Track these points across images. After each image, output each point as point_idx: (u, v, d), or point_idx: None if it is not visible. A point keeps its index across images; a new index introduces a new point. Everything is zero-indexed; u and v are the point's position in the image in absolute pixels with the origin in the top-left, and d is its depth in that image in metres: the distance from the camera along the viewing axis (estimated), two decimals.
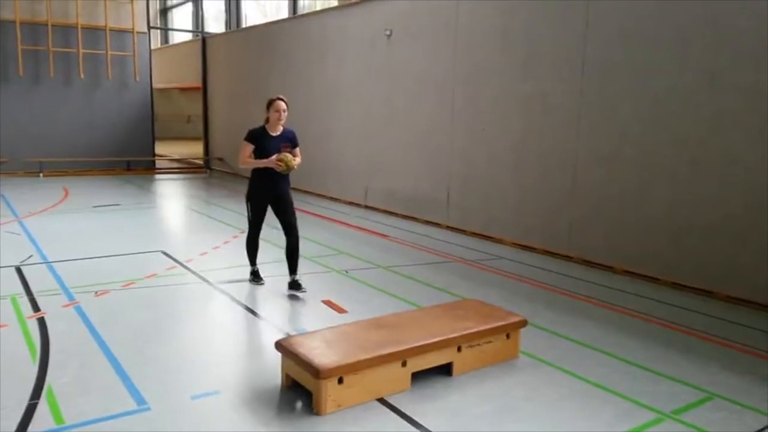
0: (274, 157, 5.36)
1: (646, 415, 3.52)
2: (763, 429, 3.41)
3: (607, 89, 6.83)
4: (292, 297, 5.56)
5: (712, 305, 5.70)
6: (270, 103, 5.50)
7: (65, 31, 14.27)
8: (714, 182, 5.93)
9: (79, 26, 14.27)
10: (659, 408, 3.61)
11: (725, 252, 5.86)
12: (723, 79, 5.82)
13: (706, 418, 3.51)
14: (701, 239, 6.05)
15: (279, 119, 5.47)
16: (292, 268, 5.63)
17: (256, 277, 5.92)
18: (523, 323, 4.31)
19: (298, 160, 5.56)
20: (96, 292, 5.48)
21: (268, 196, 5.56)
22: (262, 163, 5.41)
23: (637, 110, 6.54)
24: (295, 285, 5.57)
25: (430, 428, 3.31)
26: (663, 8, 6.26)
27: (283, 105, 5.46)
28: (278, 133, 5.54)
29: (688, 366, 4.25)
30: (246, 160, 5.49)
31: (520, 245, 7.90)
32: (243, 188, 11.88)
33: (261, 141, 5.47)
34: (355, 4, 10.87)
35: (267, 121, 5.52)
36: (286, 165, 5.37)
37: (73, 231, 8.21)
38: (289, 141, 5.57)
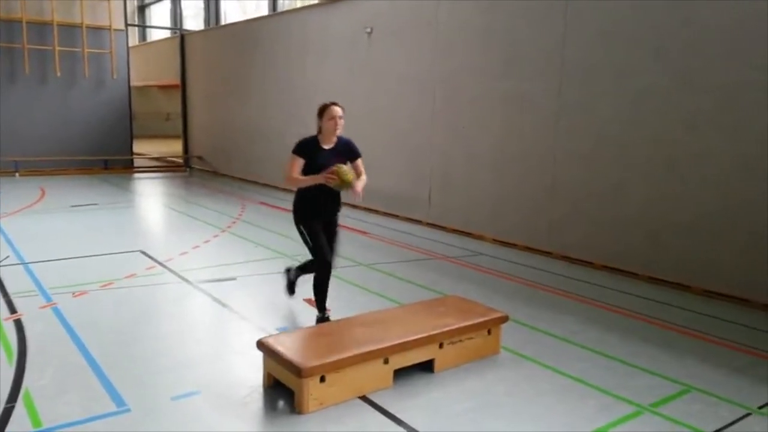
0: (327, 170, 4.41)
1: (625, 409, 3.57)
2: (737, 420, 3.48)
3: (586, 89, 6.89)
4: (274, 296, 5.54)
5: (689, 299, 5.79)
6: (322, 110, 4.56)
7: (40, 28, 14.05)
8: (690, 180, 6.03)
9: (55, 23, 14.06)
10: (638, 401, 3.66)
11: (701, 248, 5.96)
12: (698, 80, 5.90)
13: (683, 410, 3.57)
14: (678, 236, 6.14)
15: (335, 128, 4.53)
16: (301, 268, 5.05)
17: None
18: (504, 319, 4.34)
19: (363, 178, 4.66)
20: (74, 293, 5.41)
21: (318, 216, 4.66)
22: (312, 180, 4.47)
23: (615, 110, 6.61)
24: (290, 274, 5.11)
25: (412, 425, 3.33)
26: (639, 9, 6.33)
27: (339, 111, 4.52)
28: (332, 145, 4.61)
29: (666, 359, 4.32)
30: (293, 177, 4.50)
31: (500, 242, 7.95)
32: (223, 186, 11.64)
33: (312, 155, 4.52)
34: (336, 2, 10.84)
35: (319, 131, 4.60)
36: (341, 180, 4.35)
37: (50, 231, 8.09)
38: (346, 154, 4.65)
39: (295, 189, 4.66)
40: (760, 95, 5.46)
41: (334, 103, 4.56)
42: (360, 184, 4.56)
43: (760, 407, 3.64)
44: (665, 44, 6.14)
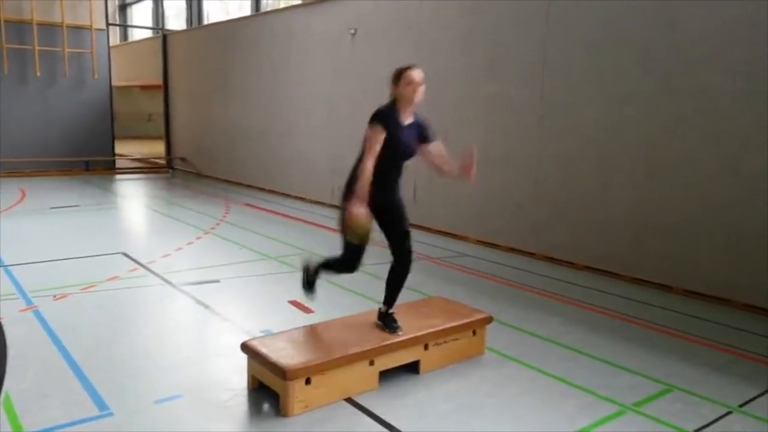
0: (358, 209, 3.49)
1: (607, 408, 3.60)
2: (718, 419, 3.53)
3: (569, 92, 6.94)
4: (258, 298, 5.51)
5: (671, 299, 5.86)
6: (399, 74, 3.74)
7: (20, 27, 13.85)
8: (672, 183, 6.10)
9: (35, 22, 13.87)
10: (620, 401, 3.69)
11: (683, 249, 6.03)
12: (680, 84, 5.97)
13: (665, 409, 3.61)
14: (660, 237, 6.21)
15: (414, 96, 3.72)
16: (389, 296, 4.03)
17: (311, 287, 4.22)
18: (489, 320, 4.36)
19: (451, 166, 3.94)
20: (55, 296, 5.35)
21: (377, 205, 3.76)
22: (361, 190, 3.56)
23: (598, 113, 6.67)
24: (387, 319, 3.97)
25: (397, 427, 3.33)
26: (622, 14, 6.39)
27: (420, 75, 3.73)
28: (411, 120, 3.81)
29: (649, 359, 4.36)
30: (369, 165, 3.59)
31: (484, 243, 7.99)
32: (207, 188, 11.52)
33: (393, 129, 3.67)
34: (319, 2, 10.82)
35: (394, 101, 3.78)
36: (354, 230, 3.54)
37: (30, 233, 7.98)
38: (420, 136, 3.87)
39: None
40: (740, 100, 5.54)
41: (414, 66, 3.77)
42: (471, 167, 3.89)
43: (740, 405, 3.69)
44: (648, 48, 6.20)
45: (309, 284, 4.21)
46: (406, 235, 3.97)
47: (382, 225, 3.95)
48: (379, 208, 3.81)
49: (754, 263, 5.51)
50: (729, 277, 5.69)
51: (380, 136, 3.64)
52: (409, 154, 3.85)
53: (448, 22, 8.34)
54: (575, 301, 5.69)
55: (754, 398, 3.80)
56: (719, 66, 5.68)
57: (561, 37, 6.98)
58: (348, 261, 3.96)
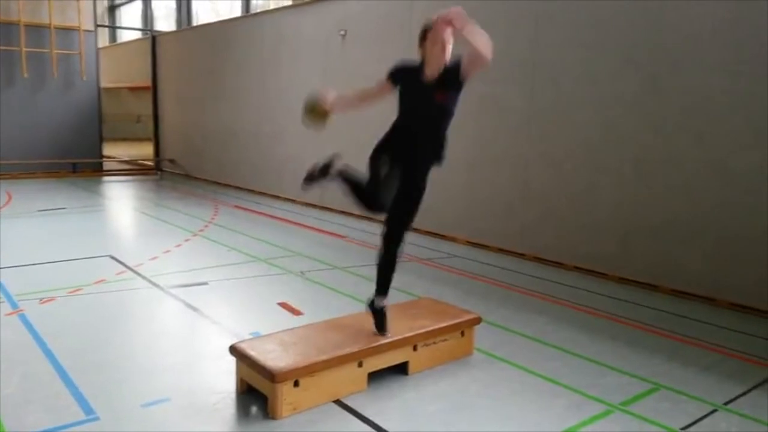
0: (328, 94, 3.69)
1: (595, 408, 3.62)
2: (704, 417, 3.55)
3: (557, 93, 6.97)
4: (247, 301, 5.49)
5: (657, 299, 5.89)
6: (425, 34, 3.61)
7: (7, 28, 13.73)
8: (658, 184, 6.14)
9: (22, 23, 13.76)
10: (608, 400, 3.71)
11: (669, 249, 6.07)
12: (668, 85, 6.01)
13: (652, 408, 3.63)
14: (647, 237, 6.24)
15: (442, 54, 3.55)
16: (376, 282, 4.06)
17: (312, 180, 3.94)
18: (477, 320, 4.37)
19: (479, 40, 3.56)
20: (41, 300, 5.30)
21: (390, 152, 3.81)
22: (348, 94, 3.79)
23: (586, 114, 6.70)
24: (378, 315, 3.97)
25: (386, 428, 3.33)
26: (610, 14, 6.43)
27: (445, 32, 3.56)
28: (435, 76, 3.61)
29: (636, 358, 4.39)
30: (366, 94, 3.86)
31: (473, 243, 8.00)
32: (196, 190, 11.52)
33: (407, 83, 3.64)
34: (309, 3, 10.81)
35: (423, 61, 3.68)
36: (313, 110, 3.74)
37: (16, 236, 7.91)
38: (453, 82, 3.66)
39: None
40: (728, 100, 5.58)
41: (437, 22, 3.55)
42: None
43: (726, 403, 3.72)
44: (635, 49, 6.24)
45: (320, 174, 3.88)
46: (398, 221, 3.99)
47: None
48: (403, 163, 3.84)
49: (742, 263, 5.55)
50: (716, 277, 5.73)
51: (382, 86, 3.76)
52: (422, 115, 3.68)
53: None
54: (563, 301, 5.71)
55: (739, 396, 3.83)
56: (707, 66, 5.72)
57: (550, 38, 7.00)
58: (367, 191, 3.80)
